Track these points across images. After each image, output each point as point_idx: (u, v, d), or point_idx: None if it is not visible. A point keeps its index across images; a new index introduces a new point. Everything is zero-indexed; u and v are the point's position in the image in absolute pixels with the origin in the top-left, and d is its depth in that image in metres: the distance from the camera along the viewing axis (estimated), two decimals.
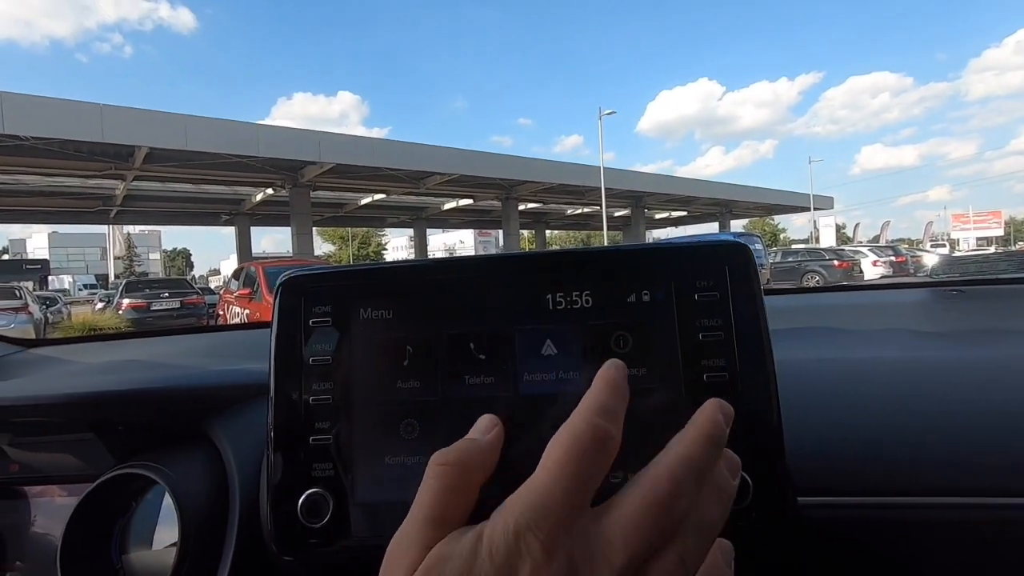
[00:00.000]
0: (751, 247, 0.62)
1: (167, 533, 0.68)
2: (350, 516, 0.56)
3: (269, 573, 0.63)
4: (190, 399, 0.73)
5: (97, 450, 0.75)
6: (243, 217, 24.56)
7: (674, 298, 0.57)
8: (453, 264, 0.62)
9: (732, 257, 0.57)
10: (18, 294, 12.21)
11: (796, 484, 0.55)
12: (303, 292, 0.61)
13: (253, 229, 25.71)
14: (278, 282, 0.61)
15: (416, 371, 0.58)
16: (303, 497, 0.56)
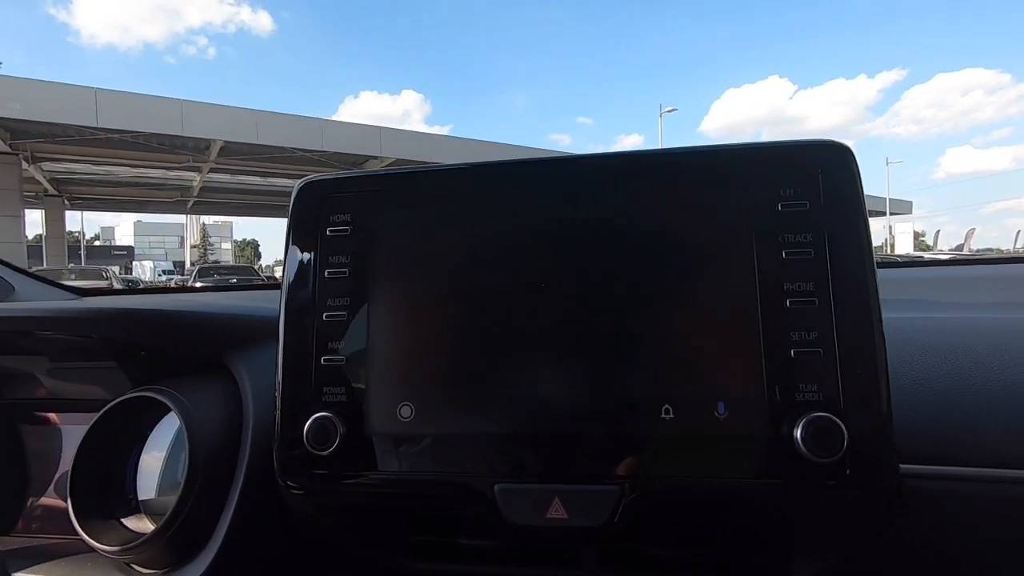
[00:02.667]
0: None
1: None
2: (366, 447, 0.50)
3: (281, 511, 0.58)
4: (213, 327, 0.69)
5: (119, 378, 0.72)
6: None
7: (746, 206, 0.47)
8: (498, 169, 0.53)
9: (828, 160, 0.47)
10: (105, 275, 13.41)
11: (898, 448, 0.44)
12: (321, 197, 0.54)
13: None
14: (296, 186, 0.55)
15: (452, 290, 0.51)
16: (309, 421, 0.50)
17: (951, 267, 1.11)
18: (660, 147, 0.51)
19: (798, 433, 0.42)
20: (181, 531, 0.56)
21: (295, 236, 0.53)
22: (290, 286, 0.53)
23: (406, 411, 0.49)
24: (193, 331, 0.69)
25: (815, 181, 0.46)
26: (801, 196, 0.46)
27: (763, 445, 0.44)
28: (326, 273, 0.52)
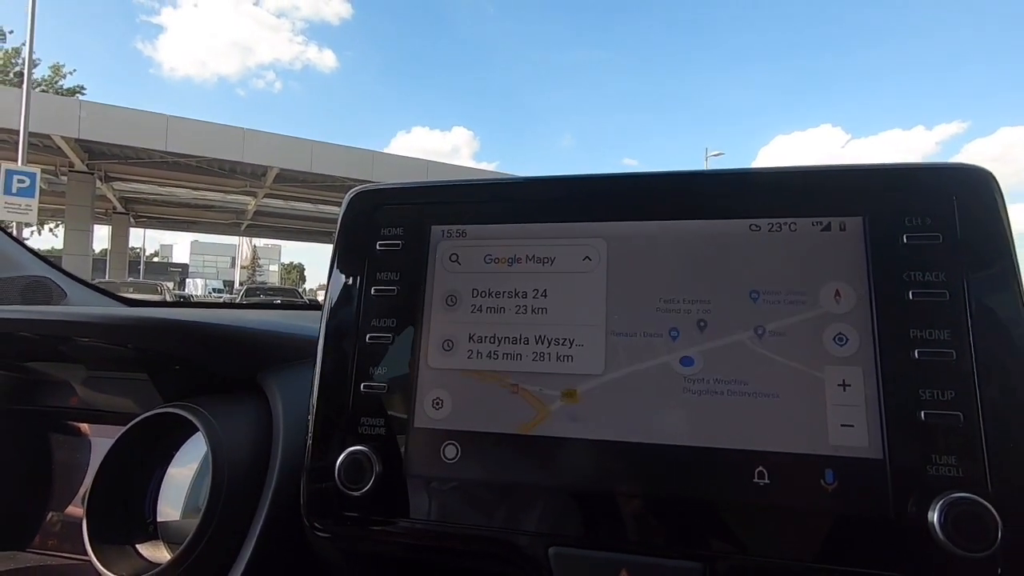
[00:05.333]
0: None
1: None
2: (403, 489, 0.44)
3: (306, 552, 0.52)
4: (248, 342, 0.65)
5: (152, 392, 0.69)
6: None
7: (864, 235, 0.40)
8: (557, 185, 0.47)
9: (966, 187, 0.40)
10: (159, 290, 14.10)
11: None
12: (372, 208, 0.49)
13: None
14: (348, 195, 0.51)
15: (509, 317, 0.45)
16: (343, 455, 0.44)
17: None
18: (760, 166, 0.45)
19: (934, 516, 0.34)
20: (198, 563, 0.51)
21: (343, 248, 0.49)
22: (333, 303, 0.48)
23: (451, 451, 0.43)
24: (228, 345, 0.65)
25: (949, 210, 0.39)
26: (932, 227, 0.39)
27: (885, 527, 0.35)
28: (372, 291, 0.47)
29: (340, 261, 0.49)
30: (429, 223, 0.48)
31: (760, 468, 0.38)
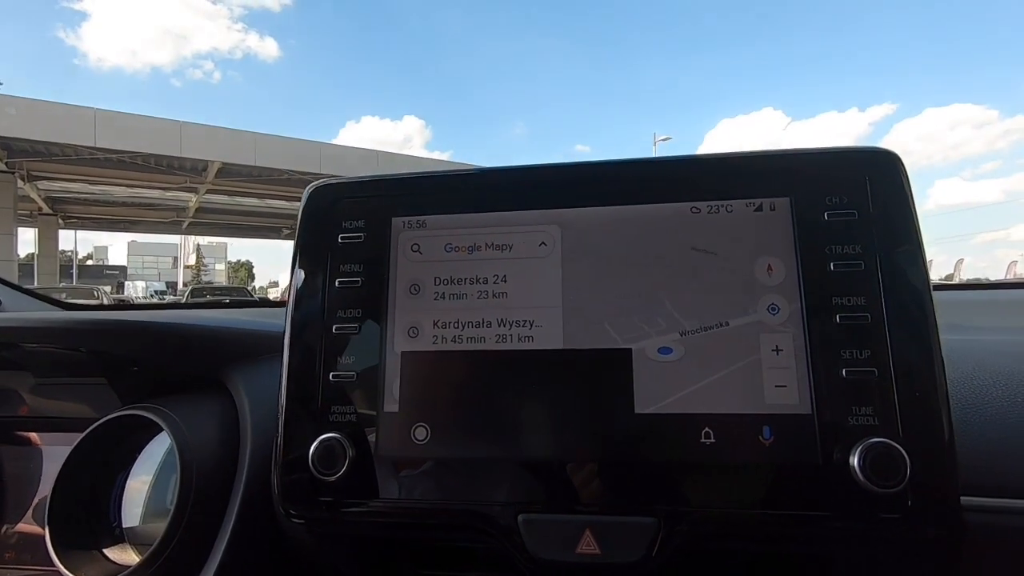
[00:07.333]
0: None
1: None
2: (376, 471, 0.45)
3: (279, 543, 0.53)
4: (209, 341, 0.65)
5: (107, 396, 0.68)
6: None
7: (792, 214, 0.44)
8: (521, 175, 0.50)
9: (876, 168, 0.44)
10: (96, 295, 13.35)
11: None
12: (333, 202, 0.51)
13: None
14: (307, 189, 0.52)
15: (471, 302, 0.47)
16: (316, 442, 0.45)
17: (970, 291, 1.09)
18: (695, 153, 0.49)
19: (855, 460, 0.39)
20: (168, 564, 0.51)
21: (305, 243, 0.50)
22: (297, 296, 0.49)
23: (421, 433, 0.45)
24: (188, 345, 0.65)
25: (863, 189, 0.43)
26: (849, 205, 0.43)
27: (814, 473, 0.40)
28: (337, 283, 0.48)
29: (303, 255, 0.50)
30: (390, 215, 0.49)
31: (706, 429, 0.42)
